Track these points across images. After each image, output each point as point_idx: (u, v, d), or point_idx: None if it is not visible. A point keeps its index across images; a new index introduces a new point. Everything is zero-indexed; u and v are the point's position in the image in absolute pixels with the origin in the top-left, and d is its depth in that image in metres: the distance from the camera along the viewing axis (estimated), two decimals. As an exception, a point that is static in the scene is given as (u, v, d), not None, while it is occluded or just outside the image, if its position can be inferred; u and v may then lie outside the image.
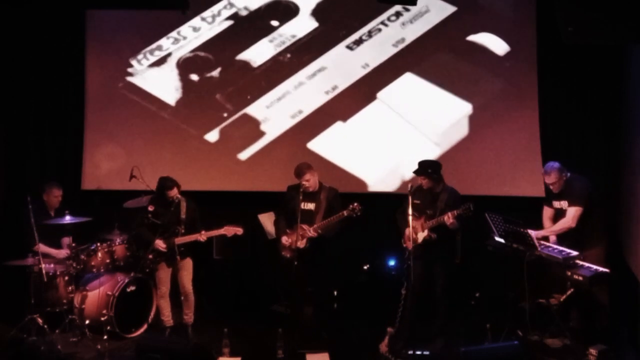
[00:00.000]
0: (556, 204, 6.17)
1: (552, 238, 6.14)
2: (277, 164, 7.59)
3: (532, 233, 5.92)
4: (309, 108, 7.63)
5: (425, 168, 6.15)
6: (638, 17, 5.08)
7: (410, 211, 5.76)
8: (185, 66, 7.74)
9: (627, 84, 6.95)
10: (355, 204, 6.14)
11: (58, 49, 7.74)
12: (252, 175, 7.69)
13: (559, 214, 6.15)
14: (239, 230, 6.36)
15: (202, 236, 6.29)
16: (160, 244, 6.28)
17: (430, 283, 6.11)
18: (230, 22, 7.67)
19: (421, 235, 6.01)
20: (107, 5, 7.25)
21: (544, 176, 6.13)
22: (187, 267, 6.44)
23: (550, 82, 7.28)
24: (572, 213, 5.96)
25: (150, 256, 6.34)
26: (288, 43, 7.61)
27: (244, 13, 7.65)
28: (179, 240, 6.30)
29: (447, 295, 6.15)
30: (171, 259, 6.36)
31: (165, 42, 7.73)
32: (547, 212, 6.33)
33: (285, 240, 6.40)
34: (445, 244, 6.16)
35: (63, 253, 6.64)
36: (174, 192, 6.31)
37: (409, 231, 5.98)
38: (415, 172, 6.16)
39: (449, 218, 5.86)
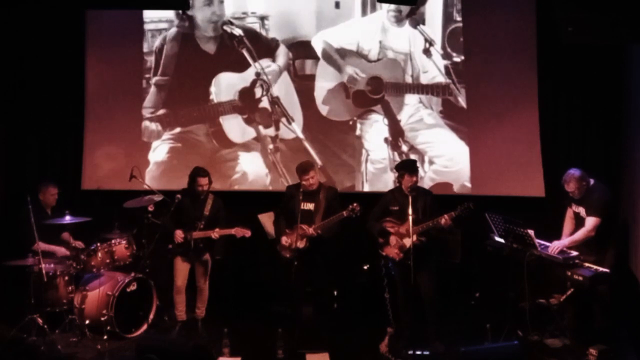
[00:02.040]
0: (575, 207, 6.12)
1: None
2: (278, 163, 7.62)
3: (556, 244, 5.88)
4: (310, 107, 7.65)
5: (415, 166, 6.17)
6: (638, 17, 5.08)
7: (410, 211, 5.75)
8: (172, 51, 7.76)
9: (628, 84, 6.95)
10: (355, 204, 6.13)
11: (58, 49, 7.74)
12: (253, 174, 7.69)
13: (577, 218, 6.10)
14: (247, 233, 6.40)
15: (215, 234, 6.35)
16: (178, 235, 6.34)
17: (419, 286, 5.99)
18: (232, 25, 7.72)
19: (408, 241, 5.89)
20: (107, 5, 7.26)
21: (563, 184, 6.03)
22: (203, 263, 6.55)
23: (550, 82, 7.27)
24: (592, 223, 5.88)
25: (170, 246, 6.42)
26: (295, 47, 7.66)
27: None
28: (196, 234, 6.36)
29: (436, 302, 6.05)
30: (187, 252, 6.43)
31: (167, 39, 7.76)
32: (569, 213, 6.25)
33: (284, 241, 6.39)
34: (434, 248, 6.08)
35: (63, 250, 6.64)
36: (205, 181, 6.41)
37: (395, 238, 5.99)
38: (412, 170, 6.07)
39: (446, 221, 5.83)
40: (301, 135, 7.64)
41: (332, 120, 7.63)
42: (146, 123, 7.79)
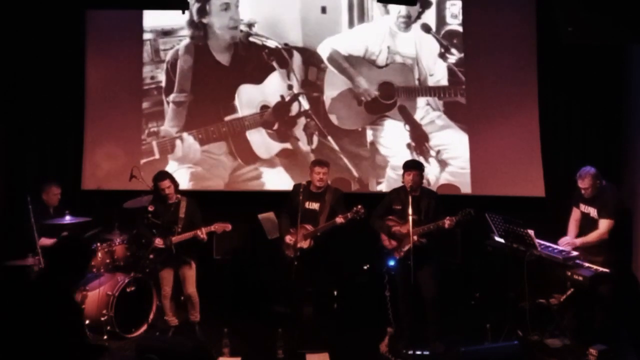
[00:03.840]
0: (583, 207, 6.07)
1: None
2: (278, 164, 7.64)
3: (566, 239, 5.86)
4: (312, 109, 7.66)
5: (419, 164, 6.16)
6: (638, 17, 5.08)
7: (410, 211, 5.75)
8: (187, 65, 7.75)
9: (628, 84, 6.95)
10: (359, 207, 6.12)
11: (58, 49, 7.75)
12: (252, 175, 7.68)
13: (585, 219, 6.07)
14: (227, 227, 6.32)
15: (202, 233, 6.24)
16: (158, 243, 6.30)
17: (420, 286, 5.99)
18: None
19: (408, 241, 5.85)
20: (107, 5, 7.26)
21: (577, 179, 5.96)
22: (189, 269, 6.44)
23: (550, 82, 7.28)
24: (606, 226, 5.84)
25: (152, 255, 6.36)
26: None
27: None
28: (176, 238, 6.30)
29: (437, 302, 6.03)
30: (170, 258, 6.36)
31: (179, 53, 7.74)
32: (575, 214, 6.20)
33: (289, 239, 6.40)
34: (435, 248, 6.06)
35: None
36: (167, 184, 6.31)
37: (399, 231, 5.99)
38: (412, 167, 6.06)
39: (450, 224, 5.84)
40: (336, 147, 7.57)
41: (345, 129, 7.60)
42: (179, 142, 7.71)
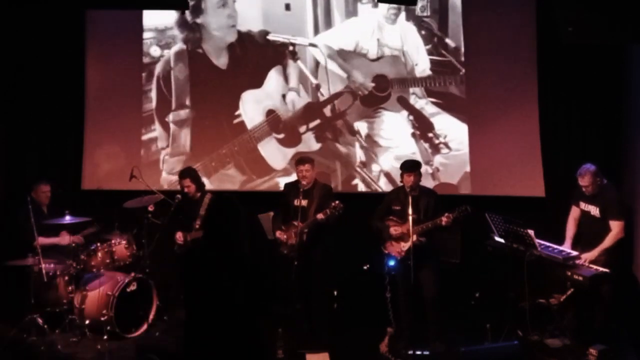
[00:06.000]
0: (583, 205, 6.06)
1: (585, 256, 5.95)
2: (278, 164, 7.63)
3: (585, 257, 5.81)
4: (313, 108, 7.65)
5: (418, 164, 6.15)
6: (638, 17, 5.08)
7: (410, 211, 5.76)
8: (182, 75, 7.72)
9: (628, 84, 6.95)
10: (337, 202, 6.09)
11: (58, 49, 7.75)
12: (252, 175, 7.69)
13: (585, 217, 6.06)
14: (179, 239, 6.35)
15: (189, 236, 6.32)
16: (178, 238, 6.35)
17: (420, 286, 5.99)
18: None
19: (408, 241, 5.88)
20: (107, 5, 7.26)
21: (577, 178, 5.96)
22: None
23: (550, 82, 7.27)
24: (620, 227, 5.83)
25: (175, 247, 6.42)
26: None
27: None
28: (191, 235, 6.35)
29: (438, 302, 6.02)
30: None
31: (172, 63, 7.69)
32: (574, 212, 6.20)
33: (278, 234, 6.40)
34: (435, 248, 6.08)
35: (66, 239, 6.62)
36: (186, 183, 6.39)
37: (396, 231, 6.00)
38: (409, 168, 6.03)
39: (447, 221, 5.84)
40: (365, 144, 7.52)
41: (343, 122, 7.58)
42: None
